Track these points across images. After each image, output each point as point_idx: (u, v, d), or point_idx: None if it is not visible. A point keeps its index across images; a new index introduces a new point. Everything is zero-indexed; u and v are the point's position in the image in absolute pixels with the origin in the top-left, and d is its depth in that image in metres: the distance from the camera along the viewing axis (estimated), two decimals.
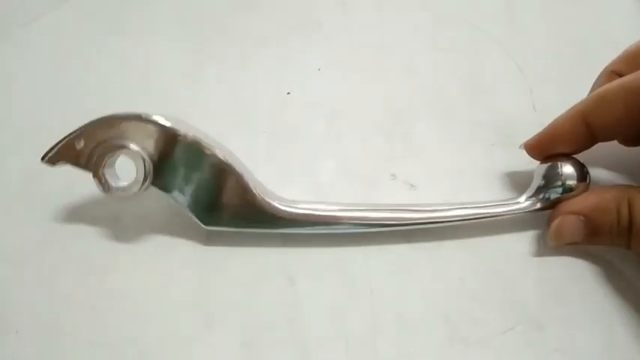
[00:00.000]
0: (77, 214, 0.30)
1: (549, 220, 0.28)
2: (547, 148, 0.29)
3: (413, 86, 0.36)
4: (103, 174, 0.27)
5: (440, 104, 0.35)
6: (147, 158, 0.27)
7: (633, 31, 0.39)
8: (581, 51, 0.37)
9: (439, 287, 0.28)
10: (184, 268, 0.28)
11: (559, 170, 0.28)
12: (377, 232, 0.29)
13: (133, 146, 0.27)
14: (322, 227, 0.28)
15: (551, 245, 0.28)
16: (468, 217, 0.29)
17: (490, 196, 0.31)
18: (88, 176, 0.27)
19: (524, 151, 0.30)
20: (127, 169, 0.27)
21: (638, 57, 0.29)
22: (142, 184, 0.27)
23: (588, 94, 0.30)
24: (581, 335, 0.27)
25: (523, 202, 0.29)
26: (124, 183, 0.27)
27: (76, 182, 0.30)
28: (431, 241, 0.29)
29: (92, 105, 0.34)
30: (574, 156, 0.29)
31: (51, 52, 0.37)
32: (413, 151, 0.33)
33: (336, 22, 0.39)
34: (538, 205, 0.29)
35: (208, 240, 0.29)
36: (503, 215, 0.29)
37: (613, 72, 0.29)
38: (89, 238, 0.29)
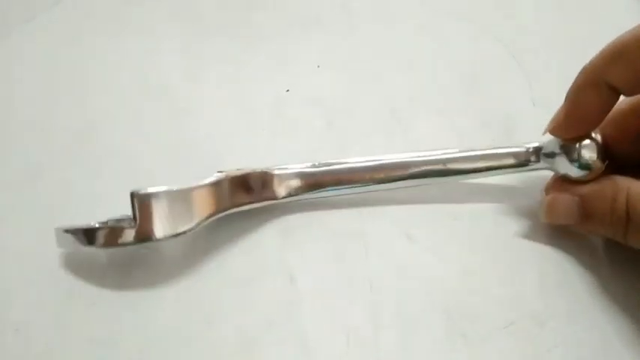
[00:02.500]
0: (76, 211, 0.30)
1: (544, 194, 0.28)
2: (577, 127, 0.27)
3: (412, 83, 0.36)
4: None
5: (439, 100, 0.35)
6: None
7: (632, 25, 0.38)
8: (580, 46, 0.36)
9: (439, 282, 0.28)
10: (184, 265, 0.28)
11: (581, 147, 0.27)
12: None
13: None
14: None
15: (543, 222, 0.27)
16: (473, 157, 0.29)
17: (489, 192, 0.31)
18: (86, 174, 0.28)
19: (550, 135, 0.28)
20: None
21: (628, 55, 0.25)
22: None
23: (566, 96, 0.27)
24: (582, 331, 0.26)
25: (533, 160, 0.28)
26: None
27: (76, 180, 0.30)
28: (431, 235, 0.29)
29: (92, 104, 0.34)
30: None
31: (50, 50, 0.37)
32: (412, 147, 0.32)
33: (336, 18, 0.39)
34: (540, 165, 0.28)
35: (207, 236, 0.29)
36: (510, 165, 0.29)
37: (603, 81, 0.26)
38: None
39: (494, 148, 0.29)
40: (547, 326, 0.26)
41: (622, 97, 0.27)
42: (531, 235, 0.29)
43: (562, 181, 0.28)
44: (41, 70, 0.36)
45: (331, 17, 0.39)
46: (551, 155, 0.28)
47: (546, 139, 0.28)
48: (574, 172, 0.27)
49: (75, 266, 0.28)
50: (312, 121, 0.34)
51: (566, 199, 0.27)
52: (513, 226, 0.30)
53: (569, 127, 0.27)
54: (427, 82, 0.36)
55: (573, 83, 0.27)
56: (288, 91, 0.35)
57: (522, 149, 0.29)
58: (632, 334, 0.26)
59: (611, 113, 0.27)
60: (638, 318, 0.27)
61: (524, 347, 0.26)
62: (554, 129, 0.28)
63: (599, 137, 0.27)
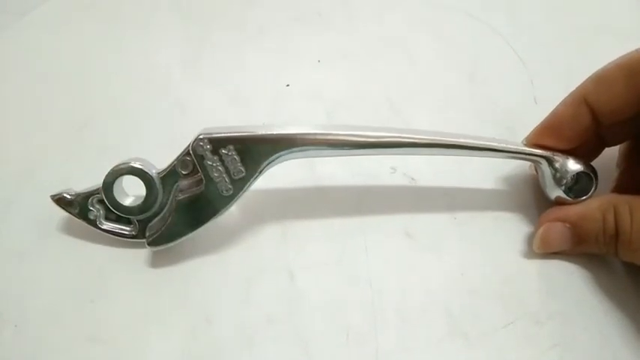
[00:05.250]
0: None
1: (536, 227, 0.28)
2: (551, 138, 0.28)
3: (413, 78, 0.36)
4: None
5: (440, 96, 0.35)
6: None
7: (634, 22, 0.38)
8: (582, 42, 0.37)
9: (440, 281, 0.28)
10: (183, 262, 0.28)
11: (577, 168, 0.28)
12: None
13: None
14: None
15: (537, 252, 0.28)
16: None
17: (490, 192, 0.31)
18: (84, 171, 0.27)
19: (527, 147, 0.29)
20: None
21: (608, 81, 0.27)
22: None
23: (550, 114, 0.29)
24: (581, 330, 0.27)
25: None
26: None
27: (73, 177, 0.30)
28: (431, 234, 0.29)
29: (90, 96, 0.34)
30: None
31: (48, 43, 0.37)
32: None
33: (336, 12, 0.39)
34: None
35: (207, 234, 0.29)
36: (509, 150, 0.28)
37: (584, 99, 0.27)
38: (87, 233, 0.29)
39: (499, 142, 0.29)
40: (546, 326, 0.27)
41: None
42: (531, 235, 0.29)
43: (549, 212, 0.28)
44: (38, 61, 0.36)
45: (331, 12, 0.39)
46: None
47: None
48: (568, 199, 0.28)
49: (74, 264, 0.28)
50: (311, 115, 0.34)
51: (558, 229, 0.28)
52: (513, 225, 0.30)
53: (544, 139, 0.28)
54: (427, 77, 0.36)
55: (561, 101, 0.29)
56: (288, 85, 0.35)
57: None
58: (631, 334, 0.26)
59: (596, 72, 0.27)
60: (636, 318, 0.27)
61: (523, 347, 0.26)
62: (530, 141, 0.29)
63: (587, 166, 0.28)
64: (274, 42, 0.37)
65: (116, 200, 0.27)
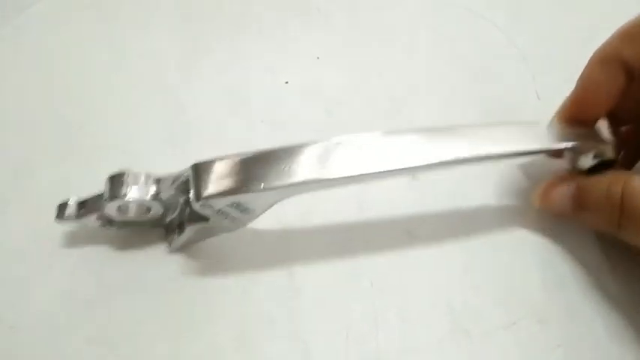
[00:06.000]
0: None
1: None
2: (586, 110, 0.27)
3: (414, 74, 0.35)
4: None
5: (441, 92, 0.34)
6: None
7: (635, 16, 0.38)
8: (584, 37, 0.36)
9: (442, 280, 0.27)
10: (181, 261, 0.28)
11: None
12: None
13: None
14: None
15: (536, 207, 0.27)
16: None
17: (492, 190, 0.30)
18: (82, 172, 0.27)
19: (558, 123, 0.27)
20: None
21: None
22: None
23: (576, 84, 0.27)
24: (584, 330, 0.26)
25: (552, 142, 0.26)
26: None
27: (71, 177, 0.30)
28: (432, 232, 0.29)
29: (87, 94, 0.34)
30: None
31: (45, 39, 0.36)
32: None
33: (335, 8, 0.38)
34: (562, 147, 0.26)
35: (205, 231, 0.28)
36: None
37: (618, 59, 0.26)
38: (84, 233, 0.28)
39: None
40: (549, 325, 0.26)
41: None
42: (534, 233, 0.29)
43: (560, 175, 0.27)
44: (36, 58, 0.35)
45: (331, 8, 0.38)
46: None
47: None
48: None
49: (70, 265, 0.27)
50: (311, 112, 0.33)
51: (561, 187, 0.27)
52: (516, 224, 0.29)
53: (579, 109, 0.27)
54: (428, 73, 0.35)
55: (587, 64, 0.27)
56: (287, 83, 0.34)
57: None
58: (634, 333, 0.26)
59: (625, 28, 0.26)
60: (639, 317, 0.26)
61: (526, 346, 0.26)
62: (563, 115, 0.27)
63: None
64: (273, 39, 0.36)
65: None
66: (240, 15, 0.38)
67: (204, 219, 0.26)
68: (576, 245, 0.28)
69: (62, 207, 0.27)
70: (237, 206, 0.25)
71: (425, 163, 0.25)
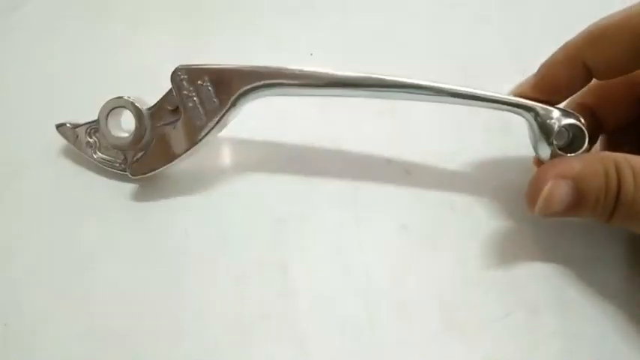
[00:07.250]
0: (64, 205, 0.29)
1: (532, 185, 0.26)
2: (542, 95, 0.27)
3: (407, 71, 0.35)
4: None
5: None
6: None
7: None
8: (575, 33, 0.37)
9: (435, 273, 0.28)
10: (177, 256, 0.28)
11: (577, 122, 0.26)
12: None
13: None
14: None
15: (535, 213, 0.26)
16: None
17: (485, 182, 0.30)
18: (74, 167, 0.28)
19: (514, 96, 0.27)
20: None
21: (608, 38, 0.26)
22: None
23: (540, 67, 0.28)
24: (579, 321, 0.26)
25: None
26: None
27: (65, 174, 0.30)
28: (425, 225, 0.29)
29: (81, 92, 0.34)
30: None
31: (38, 38, 0.36)
32: (408, 136, 0.32)
33: (329, 4, 0.38)
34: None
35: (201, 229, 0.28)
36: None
37: (580, 59, 0.27)
38: (76, 228, 0.28)
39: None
40: (544, 316, 0.26)
41: None
42: (527, 224, 0.29)
43: (547, 168, 0.26)
44: (29, 57, 0.35)
45: (325, 4, 0.38)
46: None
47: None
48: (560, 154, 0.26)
49: (62, 260, 0.27)
50: (303, 110, 0.33)
51: (562, 187, 0.25)
52: (509, 215, 0.29)
53: (535, 92, 0.27)
54: (421, 70, 0.35)
55: (550, 56, 0.28)
56: None
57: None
58: (629, 323, 0.26)
59: (595, 27, 0.26)
60: (634, 308, 0.27)
61: (521, 337, 0.26)
62: (520, 93, 0.28)
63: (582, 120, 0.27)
64: (265, 34, 0.36)
65: (108, 130, 0.29)
66: (232, 11, 0.38)
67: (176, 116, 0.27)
68: (572, 235, 0.29)
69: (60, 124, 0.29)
70: (213, 84, 0.27)
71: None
